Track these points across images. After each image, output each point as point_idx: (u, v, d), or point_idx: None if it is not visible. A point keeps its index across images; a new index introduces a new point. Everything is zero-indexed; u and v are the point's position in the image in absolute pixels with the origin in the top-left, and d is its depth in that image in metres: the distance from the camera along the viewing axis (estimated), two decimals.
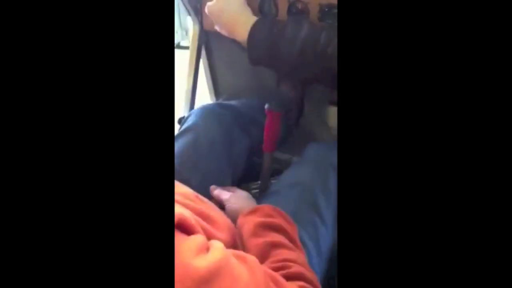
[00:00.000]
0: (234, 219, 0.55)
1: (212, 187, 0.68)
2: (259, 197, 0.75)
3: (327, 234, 0.60)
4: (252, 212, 0.54)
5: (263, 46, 0.64)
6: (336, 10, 0.64)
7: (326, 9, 0.65)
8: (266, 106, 0.73)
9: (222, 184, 0.70)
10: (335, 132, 1.11)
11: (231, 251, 0.37)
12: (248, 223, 0.52)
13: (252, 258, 0.38)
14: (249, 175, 0.84)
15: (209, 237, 0.37)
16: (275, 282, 0.38)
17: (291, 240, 0.50)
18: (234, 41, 0.74)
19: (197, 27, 0.83)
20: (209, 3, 0.70)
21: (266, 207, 0.55)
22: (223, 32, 0.72)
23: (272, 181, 0.82)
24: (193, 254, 0.30)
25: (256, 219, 0.52)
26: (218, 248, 0.33)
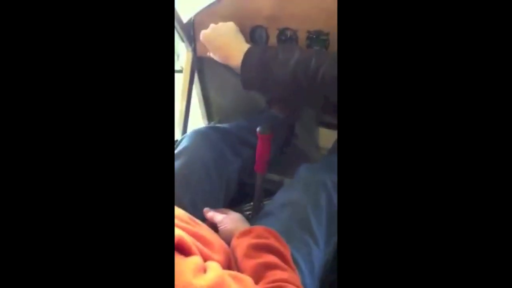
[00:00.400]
0: (227, 241, 0.56)
1: (206, 209, 0.69)
2: (252, 219, 0.76)
3: (319, 254, 0.61)
4: (245, 233, 0.55)
5: (256, 70, 0.66)
6: (324, 37, 0.67)
7: (314, 36, 0.68)
8: (258, 128, 0.75)
9: (214, 205, 0.71)
10: (325, 152, 1.14)
11: (227, 271, 0.37)
12: (241, 245, 0.52)
13: (247, 278, 0.38)
14: (242, 196, 0.85)
15: (205, 258, 0.38)
16: None
17: (284, 260, 0.51)
18: (226, 67, 0.77)
19: (190, 53, 0.85)
20: (204, 31, 0.73)
21: (258, 228, 0.56)
22: (217, 58, 0.75)
23: (265, 202, 0.83)
24: (192, 274, 0.31)
25: (250, 240, 0.53)
26: (214, 269, 0.34)
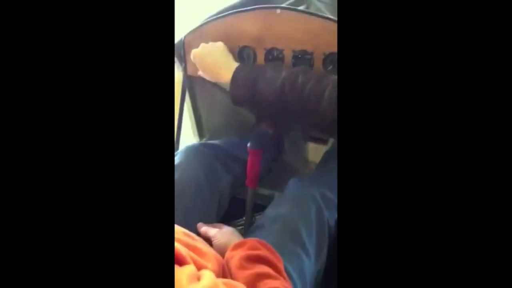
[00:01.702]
0: (222, 254, 0.57)
1: (199, 224, 0.70)
2: (244, 233, 0.77)
3: (311, 265, 0.62)
4: (239, 245, 0.56)
5: (245, 87, 0.69)
6: (308, 56, 0.71)
7: (299, 55, 0.72)
8: (248, 144, 0.77)
9: (207, 221, 0.72)
10: (314, 167, 1.16)
11: (220, 279, 0.39)
12: (235, 257, 0.54)
13: (241, 285, 0.40)
14: (233, 211, 0.86)
15: (199, 267, 0.39)
16: None
17: (277, 270, 0.52)
18: (216, 85, 0.79)
19: (181, 73, 0.88)
20: (194, 50, 0.76)
21: (251, 240, 0.57)
22: (207, 76, 0.77)
23: (256, 217, 0.84)
24: (186, 282, 0.32)
25: (243, 252, 0.54)
26: (208, 276, 0.36)
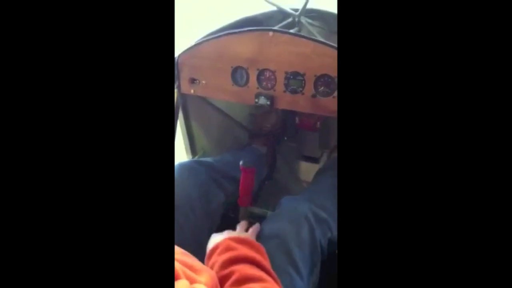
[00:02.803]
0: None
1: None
2: None
3: (303, 284, 0.62)
4: (212, 251, 0.55)
5: None
6: (300, 77, 0.73)
7: (291, 76, 0.73)
8: (241, 162, 0.78)
9: (200, 240, 0.71)
10: (306, 185, 1.17)
11: None
12: (213, 266, 0.53)
13: None
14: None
15: (191, 281, 0.40)
16: None
17: (259, 265, 0.51)
18: (209, 103, 0.80)
19: (174, 91, 0.89)
20: None
21: (223, 241, 0.56)
22: None
23: None
24: None
25: (218, 257, 0.53)
26: None
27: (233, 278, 0.49)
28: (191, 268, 0.46)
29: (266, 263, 0.53)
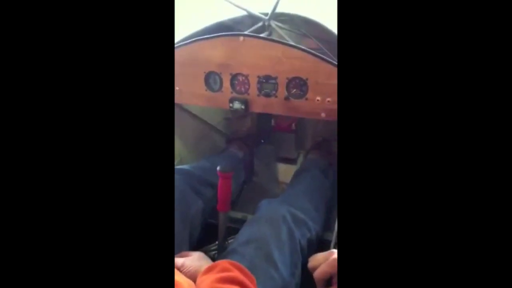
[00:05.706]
0: (194, 281, 0.56)
1: None
2: (218, 258, 0.76)
3: (284, 285, 0.63)
4: (210, 269, 0.56)
5: None
6: (273, 81, 0.73)
7: (264, 80, 0.74)
8: (218, 167, 0.77)
9: (179, 248, 0.71)
10: (285, 186, 1.18)
11: None
12: (206, 281, 0.53)
13: None
14: (206, 237, 0.85)
15: None
16: None
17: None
18: (185, 110, 0.79)
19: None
20: None
21: (222, 262, 0.57)
22: None
23: (230, 241, 0.84)
24: None
25: (214, 275, 0.54)
26: None
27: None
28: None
29: None
